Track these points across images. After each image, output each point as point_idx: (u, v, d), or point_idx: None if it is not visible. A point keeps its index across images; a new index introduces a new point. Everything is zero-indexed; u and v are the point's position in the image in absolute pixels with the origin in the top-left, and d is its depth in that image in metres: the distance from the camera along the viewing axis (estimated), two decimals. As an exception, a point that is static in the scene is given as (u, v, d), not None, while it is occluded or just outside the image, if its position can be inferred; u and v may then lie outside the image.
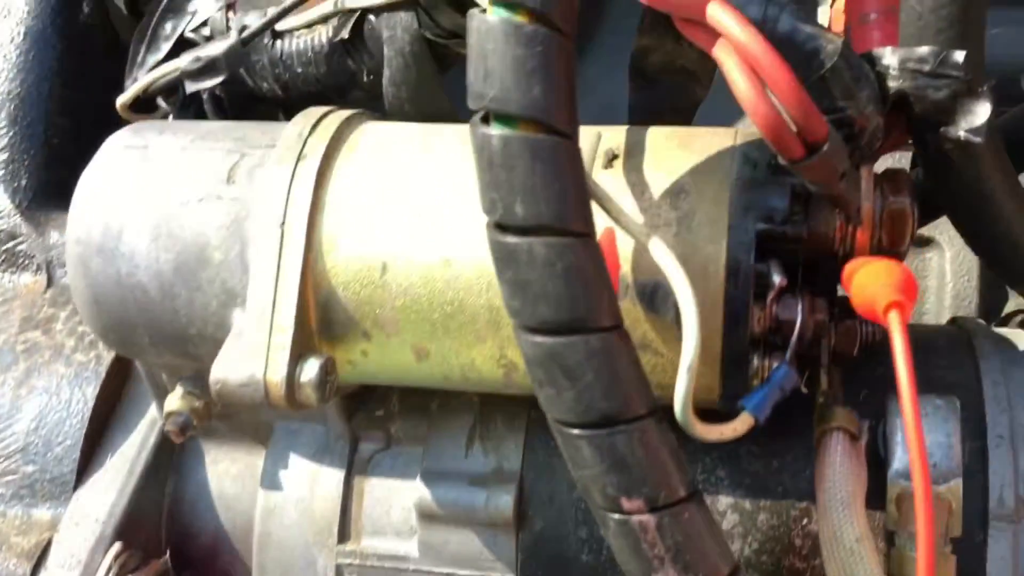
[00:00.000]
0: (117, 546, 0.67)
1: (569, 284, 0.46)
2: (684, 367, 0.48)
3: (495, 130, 0.46)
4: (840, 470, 0.57)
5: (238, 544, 0.72)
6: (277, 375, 0.56)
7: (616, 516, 0.49)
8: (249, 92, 0.77)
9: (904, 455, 0.59)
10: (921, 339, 0.70)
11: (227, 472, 0.73)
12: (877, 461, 0.61)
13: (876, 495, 0.60)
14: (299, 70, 0.71)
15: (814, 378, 0.60)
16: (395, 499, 0.68)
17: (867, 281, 0.49)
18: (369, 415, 0.69)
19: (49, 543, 0.68)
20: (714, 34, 0.49)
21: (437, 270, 0.56)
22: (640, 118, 0.64)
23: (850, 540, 0.56)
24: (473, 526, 0.66)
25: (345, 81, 0.70)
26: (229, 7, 0.76)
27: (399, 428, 0.69)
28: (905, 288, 0.47)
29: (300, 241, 0.57)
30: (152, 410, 0.73)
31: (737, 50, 0.48)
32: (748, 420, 0.53)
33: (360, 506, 0.69)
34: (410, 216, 0.57)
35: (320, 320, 0.58)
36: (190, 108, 0.78)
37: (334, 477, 0.69)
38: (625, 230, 0.51)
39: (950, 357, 0.67)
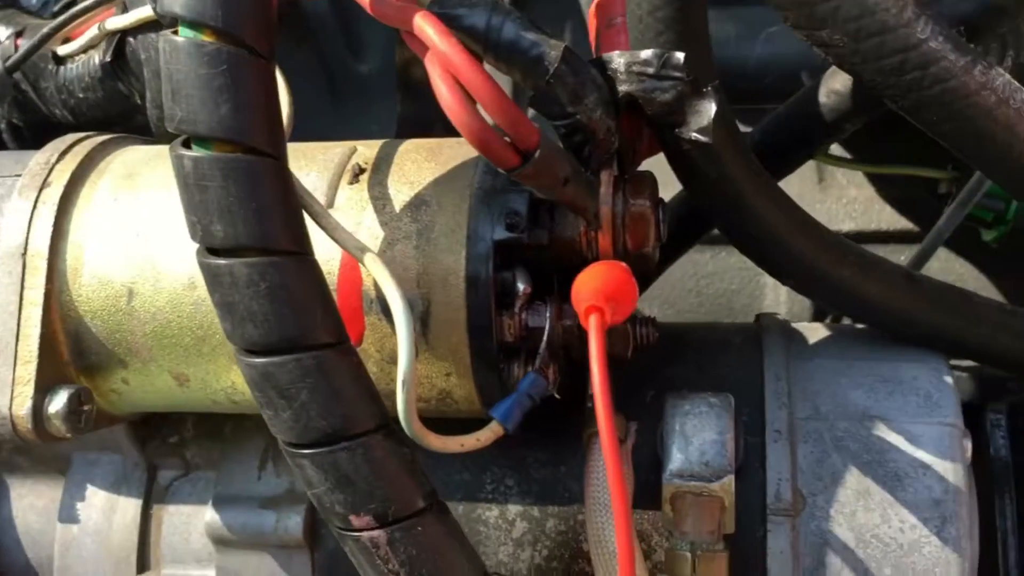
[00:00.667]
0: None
1: (275, 303, 0.46)
2: (400, 381, 0.48)
3: (189, 151, 0.45)
4: (603, 474, 0.57)
5: (46, 579, 0.71)
6: (22, 408, 0.55)
7: (348, 534, 0.49)
8: (46, 120, 0.76)
9: (678, 455, 0.60)
10: (718, 338, 0.71)
11: (32, 507, 0.72)
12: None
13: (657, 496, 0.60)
14: (81, 95, 0.70)
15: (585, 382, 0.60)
16: (194, 525, 0.68)
17: (580, 284, 0.49)
18: (163, 442, 0.69)
19: None
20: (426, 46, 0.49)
21: (183, 294, 0.56)
22: (409, 131, 0.64)
23: (612, 543, 0.56)
24: (267, 548, 0.65)
25: (125, 106, 0.70)
26: (18, 35, 0.75)
27: (195, 454, 0.68)
28: (611, 293, 0.47)
29: (42, 270, 0.56)
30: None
31: (440, 62, 0.48)
32: (496, 429, 0.53)
33: (159, 534, 0.68)
34: (155, 240, 0.56)
35: (73, 350, 0.57)
36: (-12, 139, 0.77)
37: (132, 506, 0.68)
38: (341, 245, 0.51)
39: (739, 355, 0.67)
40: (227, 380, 0.58)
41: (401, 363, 0.48)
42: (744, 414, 0.63)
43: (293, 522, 0.64)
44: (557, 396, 0.56)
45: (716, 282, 0.97)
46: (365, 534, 0.48)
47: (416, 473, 0.49)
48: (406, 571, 0.48)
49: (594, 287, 0.48)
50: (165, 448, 0.69)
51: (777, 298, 0.95)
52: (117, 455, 0.69)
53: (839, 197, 0.94)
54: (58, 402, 0.56)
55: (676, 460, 0.59)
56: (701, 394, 0.61)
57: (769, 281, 0.96)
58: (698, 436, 0.60)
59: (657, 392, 0.64)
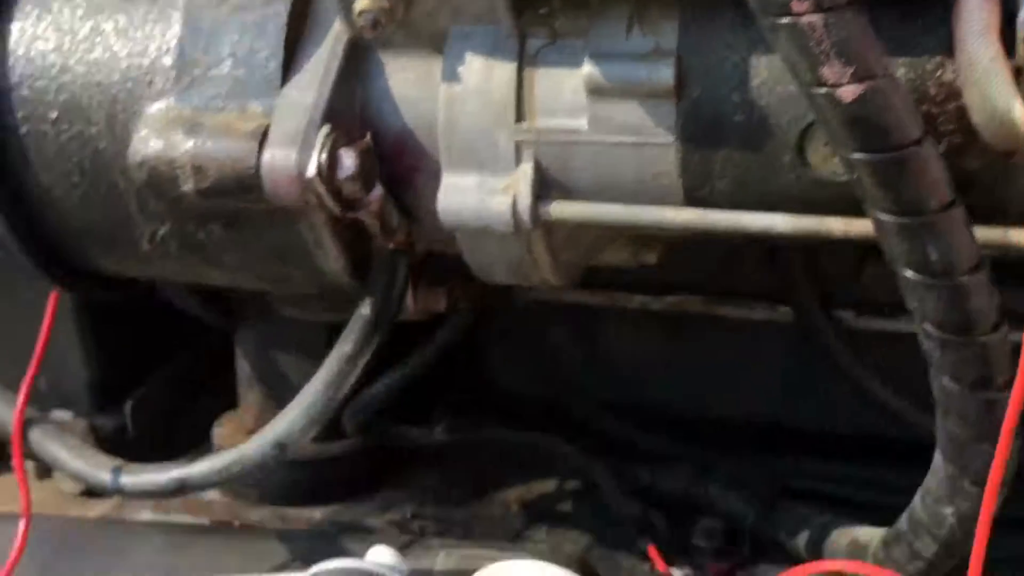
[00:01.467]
0: (327, 127, 0.77)
1: None
2: None
3: None
4: (976, 4, 0.64)
5: (421, 139, 0.82)
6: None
7: (787, 20, 0.57)
8: None
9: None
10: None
11: (407, 79, 0.82)
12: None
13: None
14: None
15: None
16: (564, 83, 0.77)
17: None
18: (534, 13, 0.77)
19: (267, 128, 0.78)
20: None
21: None
22: None
23: (985, 60, 0.63)
24: (636, 97, 0.74)
25: None
26: None
27: (562, 23, 0.77)
28: None
29: None
30: (337, 26, 0.81)
31: None
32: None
33: (532, 91, 0.78)
34: None
35: None
36: None
37: (507, 68, 0.77)
38: None
39: None
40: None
41: None
42: None
43: (664, 72, 0.73)
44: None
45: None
46: (804, 19, 0.56)
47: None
48: (835, 51, 0.57)
49: None
50: (535, 18, 0.77)
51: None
52: (490, 27, 0.78)
53: None
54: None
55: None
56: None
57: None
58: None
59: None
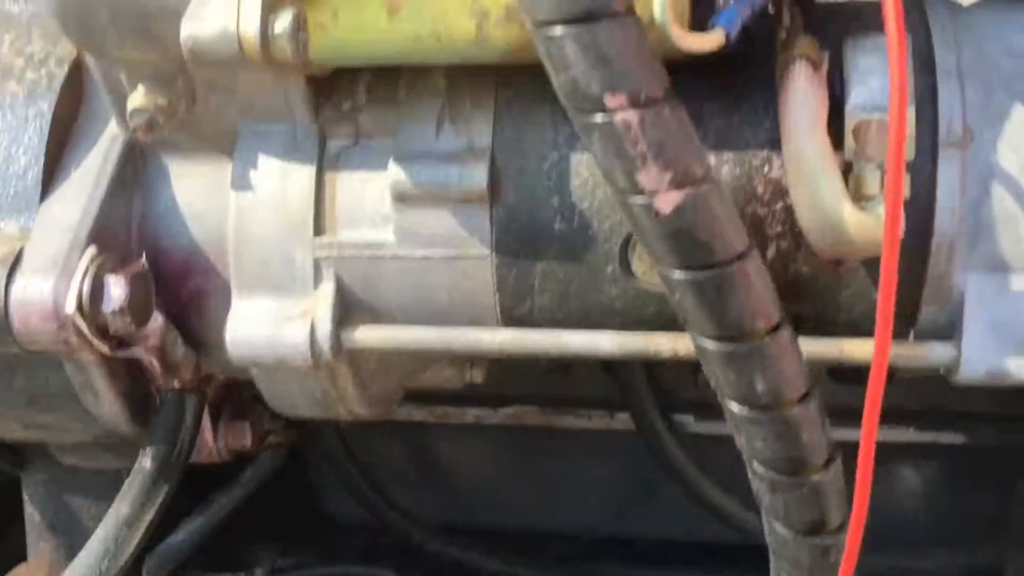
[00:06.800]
0: (92, 248, 0.67)
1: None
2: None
3: None
4: (803, 95, 0.59)
5: (211, 257, 0.72)
6: (250, 27, 0.56)
7: (600, 117, 0.50)
8: None
9: (861, 88, 0.62)
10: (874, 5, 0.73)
11: (194, 187, 0.73)
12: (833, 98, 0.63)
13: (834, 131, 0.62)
14: None
15: (776, 17, 0.62)
16: (368, 190, 0.69)
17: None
18: (336, 109, 0.69)
19: (21, 252, 0.67)
20: None
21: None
22: None
23: (814, 157, 0.59)
24: (447, 204, 0.67)
25: None
26: None
27: (367, 120, 0.69)
28: None
29: None
30: (112, 126, 0.72)
31: None
32: (720, 34, 0.55)
33: (333, 200, 0.70)
34: None
35: (288, -24, 0.58)
36: None
37: (305, 173, 0.69)
38: None
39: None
40: (440, 8, 0.58)
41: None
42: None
43: (477, 174, 0.66)
44: (772, 11, 0.58)
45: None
46: (618, 116, 0.49)
47: (658, 63, 0.51)
48: (652, 153, 0.49)
49: None
50: (338, 115, 0.69)
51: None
52: (286, 126, 0.69)
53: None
54: (282, 22, 0.56)
55: (860, 94, 0.61)
56: (878, 34, 0.63)
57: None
58: (879, 71, 0.62)
59: (833, 27, 0.65)
